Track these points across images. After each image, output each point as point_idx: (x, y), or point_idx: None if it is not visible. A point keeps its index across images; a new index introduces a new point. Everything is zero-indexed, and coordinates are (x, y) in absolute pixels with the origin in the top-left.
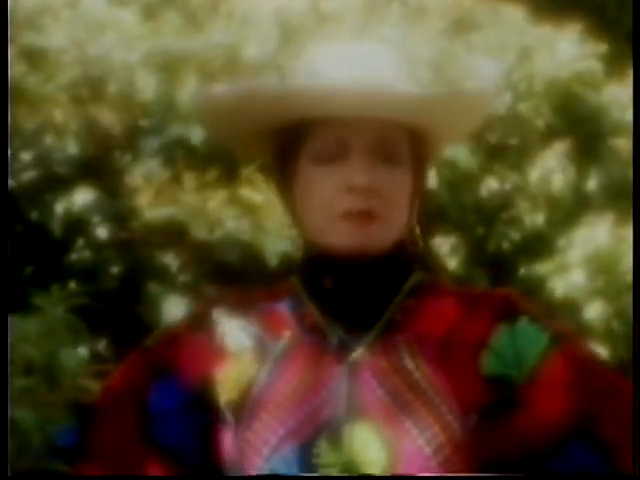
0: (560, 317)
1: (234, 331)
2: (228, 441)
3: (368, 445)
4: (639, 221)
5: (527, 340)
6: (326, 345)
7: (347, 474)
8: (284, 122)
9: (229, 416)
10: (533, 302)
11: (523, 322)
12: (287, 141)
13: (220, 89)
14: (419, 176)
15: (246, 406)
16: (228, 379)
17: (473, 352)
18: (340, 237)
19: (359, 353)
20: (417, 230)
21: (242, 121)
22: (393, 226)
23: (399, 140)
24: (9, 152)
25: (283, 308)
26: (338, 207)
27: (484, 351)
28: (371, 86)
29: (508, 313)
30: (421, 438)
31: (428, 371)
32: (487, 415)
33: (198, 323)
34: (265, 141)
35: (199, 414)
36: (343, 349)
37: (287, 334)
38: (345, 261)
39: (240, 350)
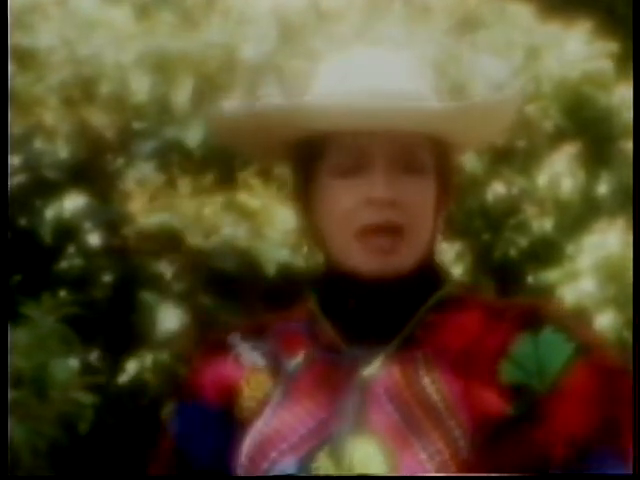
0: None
1: (249, 351)
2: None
3: (370, 462)
4: None
5: (550, 350)
6: (340, 362)
7: None
8: (301, 137)
9: (242, 431)
10: (565, 312)
11: (547, 331)
12: (305, 155)
13: (233, 108)
14: (443, 186)
15: (257, 424)
16: (245, 396)
17: (492, 361)
18: (361, 261)
19: (374, 368)
20: (439, 244)
21: (258, 138)
22: (416, 239)
23: (421, 149)
24: (8, 153)
25: (298, 329)
26: (359, 221)
27: (503, 360)
28: (390, 100)
29: (532, 323)
30: (424, 453)
31: (443, 385)
32: (504, 428)
33: (214, 349)
34: (284, 155)
35: (222, 431)
36: (358, 365)
37: (302, 352)
38: (368, 284)
39: (255, 368)
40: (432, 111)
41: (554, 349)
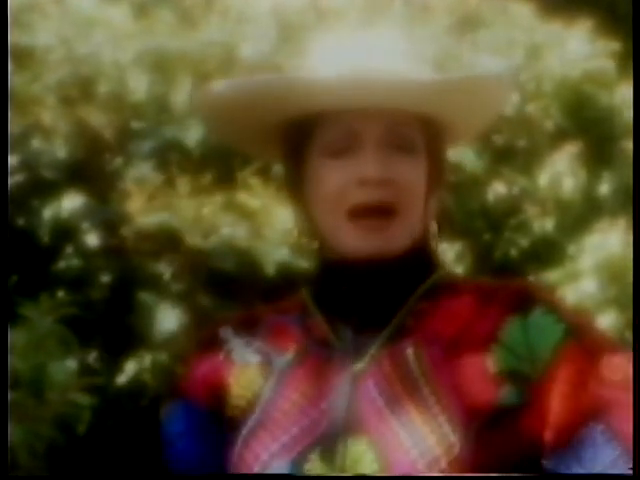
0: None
1: (240, 348)
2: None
3: (361, 459)
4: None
5: (540, 332)
6: (332, 356)
7: None
8: (291, 117)
9: (232, 430)
10: (554, 293)
11: (537, 313)
12: (295, 136)
13: (221, 86)
14: (435, 167)
15: (246, 422)
16: (234, 395)
17: (483, 348)
18: (352, 240)
19: (365, 362)
20: (434, 228)
21: (247, 117)
22: (408, 219)
23: (411, 127)
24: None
25: (290, 322)
26: (350, 201)
27: (494, 346)
28: (378, 76)
29: (522, 305)
30: (415, 450)
31: (433, 376)
32: (496, 417)
33: (206, 345)
34: (273, 138)
35: (213, 432)
36: (349, 359)
37: (293, 347)
38: (361, 265)
39: (246, 365)
40: (419, 84)
41: (544, 332)
